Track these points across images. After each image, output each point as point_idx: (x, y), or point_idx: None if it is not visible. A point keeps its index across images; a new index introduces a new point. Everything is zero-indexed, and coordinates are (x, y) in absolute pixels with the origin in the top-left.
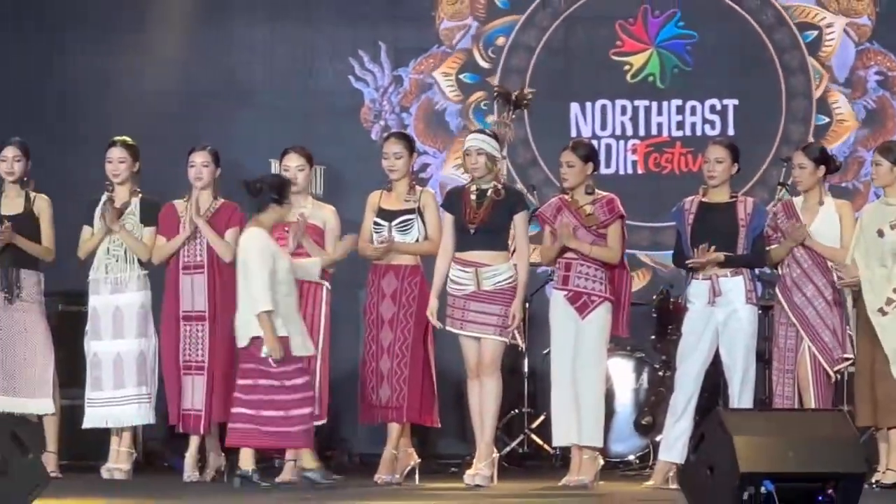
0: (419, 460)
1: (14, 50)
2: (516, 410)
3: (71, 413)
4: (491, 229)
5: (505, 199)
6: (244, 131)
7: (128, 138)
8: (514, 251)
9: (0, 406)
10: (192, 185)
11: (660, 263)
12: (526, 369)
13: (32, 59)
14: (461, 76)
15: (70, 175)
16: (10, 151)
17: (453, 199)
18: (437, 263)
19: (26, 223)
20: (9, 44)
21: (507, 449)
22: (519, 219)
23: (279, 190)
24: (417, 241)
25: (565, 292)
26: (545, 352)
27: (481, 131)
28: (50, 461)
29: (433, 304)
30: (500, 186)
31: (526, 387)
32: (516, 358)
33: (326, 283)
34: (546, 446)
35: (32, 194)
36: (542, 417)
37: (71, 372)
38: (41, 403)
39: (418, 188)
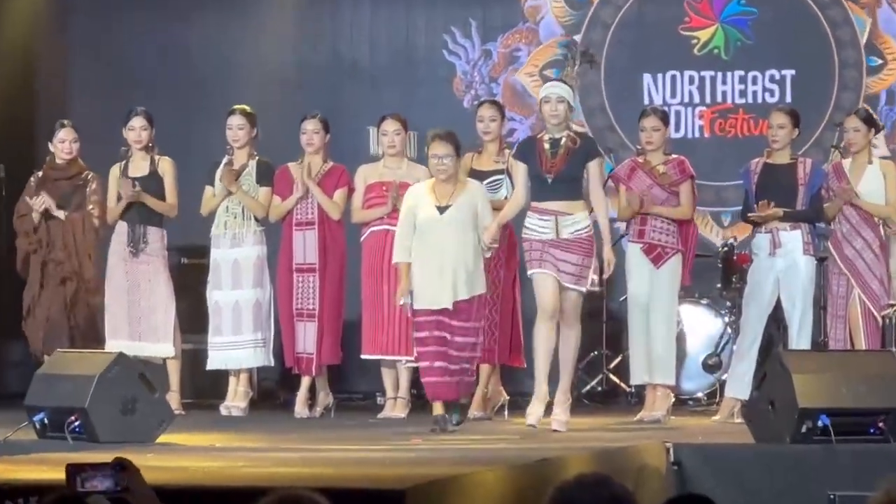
0: (508, 397)
1: (147, 29)
2: (596, 352)
3: (194, 356)
4: (568, 178)
5: (580, 147)
6: (349, 101)
7: (247, 107)
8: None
9: (126, 350)
10: (303, 150)
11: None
12: (605, 314)
13: (161, 36)
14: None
15: (194, 141)
16: (138, 121)
17: (526, 150)
18: (505, 210)
19: (152, 183)
20: (142, 23)
21: (588, 387)
22: (594, 166)
23: None
24: (506, 199)
25: (641, 244)
26: (622, 298)
27: (559, 80)
28: (174, 400)
29: (492, 228)
30: (573, 134)
31: (604, 330)
32: (595, 303)
33: None
34: (623, 385)
35: (157, 157)
36: (619, 358)
37: (194, 319)
38: (163, 348)
39: (507, 151)
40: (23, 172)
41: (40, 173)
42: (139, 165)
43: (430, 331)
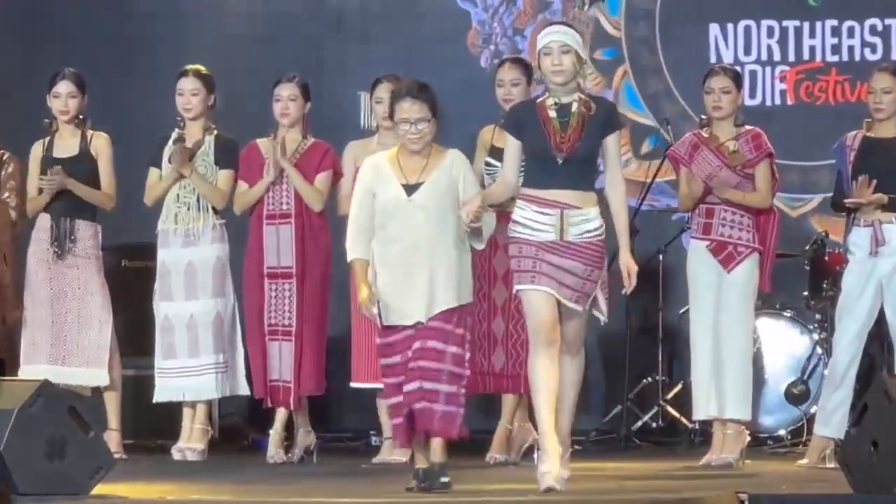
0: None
1: None
2: (649, 379)
3: (136, 385)
4: (584, 158)
5: (596, 116)
6: (334, 60)
7: (201, 67)
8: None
9: (49, 377)
10: (276, 122)
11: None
12: (660, 331)
13: None
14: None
15: (135, 110)
16: (64, 87)
17: (522, 119)
18: (496, 187)
19: (82, 166)
20: None
21: (639, 423)
22: (612, 141)
23: None
24: None
25: (707, 242)
26: (682, 311)
27: (562, 23)
28: (112, 440)
29: (473, 203)
30: (586, 98)
31: (660, 351)
32: (648, 318)
33: None
34: (684, 419)
35: (89, 133)
36: (678, 386)
37: (137, 338)
38: (96, 374)
39: None
40: None
41: None
42: (67, 143)
43: (403, 355)
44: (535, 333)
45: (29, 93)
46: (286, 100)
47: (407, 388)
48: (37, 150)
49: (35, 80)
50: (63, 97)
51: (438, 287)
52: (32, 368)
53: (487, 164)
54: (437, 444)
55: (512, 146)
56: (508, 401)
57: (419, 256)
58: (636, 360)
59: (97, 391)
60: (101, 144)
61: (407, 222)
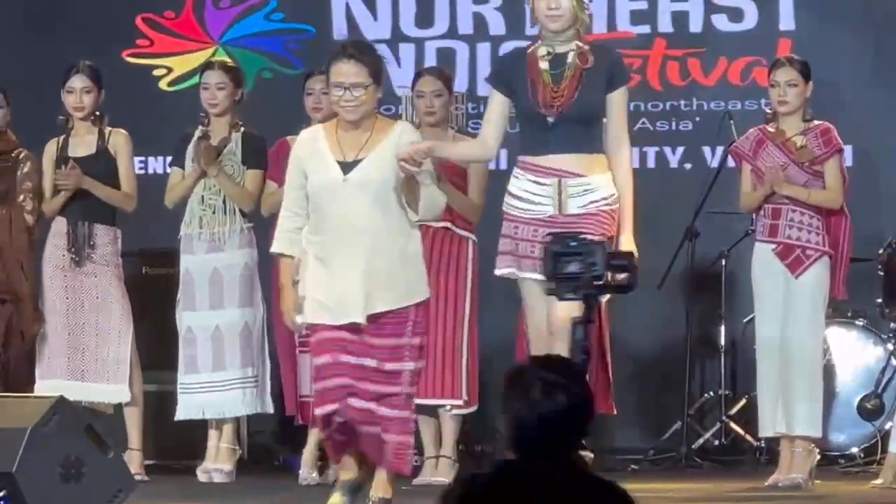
0: (592, 455)
1: None
2: (710, 393)
3: (159, 401)
4: (581, 116)
5: (597, 68)
6: None
7: (228, 59)
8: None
9: (65, 393)
10: (309, 116)
11: None
12: (722, 341)
13: None
14: None
15: (156, 105)
16: (79, 81)
17: (509, 70)
18: (462, 144)
19: (100, 165)
20: None
21: (701, 441)
22: (617, 98)
23: None
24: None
25: (773, 245)
26: (746, 320)
27: None
28: (133, 461)
29: (419, 145)
30: (586, 48)
31: (722, 364)
32: (709, 328)
33: (472, 236)
34: (748, 437)
35: (106, 130)
36: (743, 401)
37: (159, 351)
38: (115, 390)
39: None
40: None
41: None
42: (83, 142)
43: (334, 355)
44: (531, 328)
45: (46, 86)
46: (318, 94)
47: (354, 403)
48: (51, 149)
49: (52, 73)
50: (77, 92)
51: (379, 283)
52: (48, 384)
53: None
54: (383, 477)
55: (495, 103)
56: None
57: (356, 246)
58: (696, 373)
59: (117, 408)
60: (119, 142)
61: (342, 206)
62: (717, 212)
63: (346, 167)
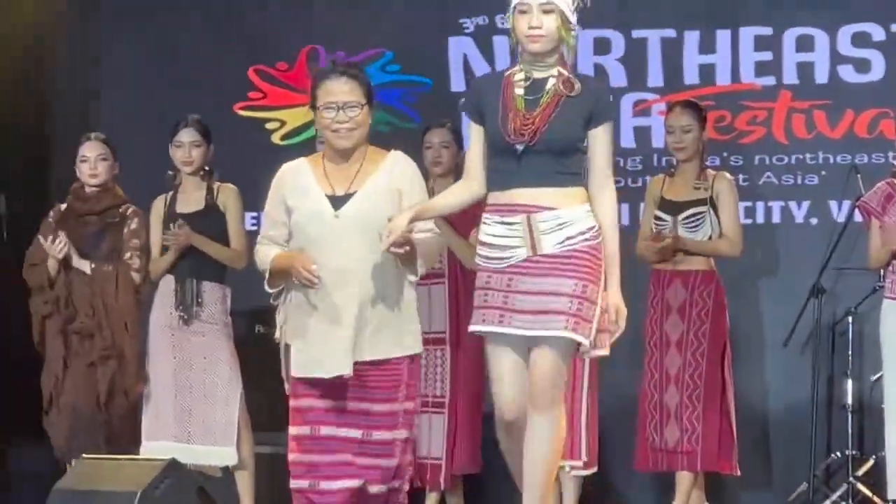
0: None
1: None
2: (837, 454)
3: (272, 464)
4: (552, 146)
5: (581, 97)
6: None
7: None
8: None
9: (172, 455)
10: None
11: None
12: (850, 400)
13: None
14: None
15: (270, 160)
16: (187, 135)
17: (483, 96)
18: (444, 193)
19: (208, 221)
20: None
21: (827, 502)
22: (601, 134)
23: None
24: (711, 239)
25: None
26: (875, 378)
27: None
28: None
29: (396, 228)
30: (569, 75)
31: (850, 423)
32: (836, 386)
33: None
34: (877, 499)
35: (215, 185)
36: (871, 462)
37: (272, 412)
38: (223, 452)
39: (710, 171)
40: (37, 205)
41: (63, 206)
42: (191, 198)
43: (313, 427)
44: (498, 396)
45: (155, 140)
46: (438, 147)
47: (337, 484)
48: (158, 206)
49: (161, 126)
50: (186, 146)
51: (367, 329)
52: (156, 445)
53: (657, 217)
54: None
55: (473, 134)
56: (683, 479)
57: (347, 289)
58: (823, 432)
59: (226, 471)
60: (229, 198)
61: (332, 245)
62: (843, 268)
63: (337, 202)
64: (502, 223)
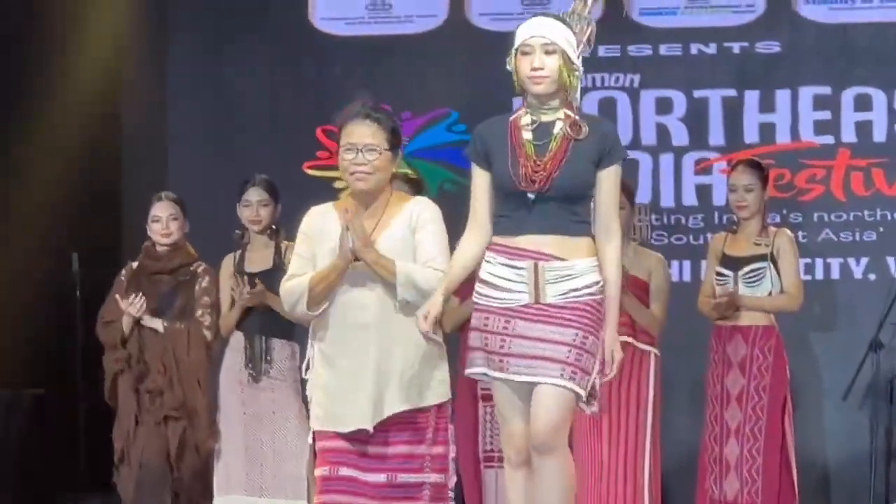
0: None
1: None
2: None
3: None
4: (564, 195)
5: (588, 140)
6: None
7: (409, 171)
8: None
9: None
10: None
11: None
12: None
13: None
14: None
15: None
16: (255, 194)
17: (489, 141)
18: (456, 255)
19: (277, 280)
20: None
21: None
22: (609, 177)
23: None
24: (770, 294)
25: None
26: None
27: (552, 15)
28: None
29: (434, 306)
30: (576, 117)
31: None
32: (894, 439)
33: (654, 350)
34: None
35: (283, 244)
36: None
37: None
38: None
39: (772, 228)
40: (108, 262)
41: (135, 264)
42: (260, 256)
43: (333, 468)
44: (506, 441)
45: (223, 199)
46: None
47: None
48: (228, 264)
49: (230, 185)
50: (254, 205)
51: (391, 383)
52: (227, 499)
53: (719, 273)
54: None
55: (478, 179)
56: None
57: (366, 340)
58: (881, 485)
59: None
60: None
61: (351, 294)
62: None
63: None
64: (508, 266)
